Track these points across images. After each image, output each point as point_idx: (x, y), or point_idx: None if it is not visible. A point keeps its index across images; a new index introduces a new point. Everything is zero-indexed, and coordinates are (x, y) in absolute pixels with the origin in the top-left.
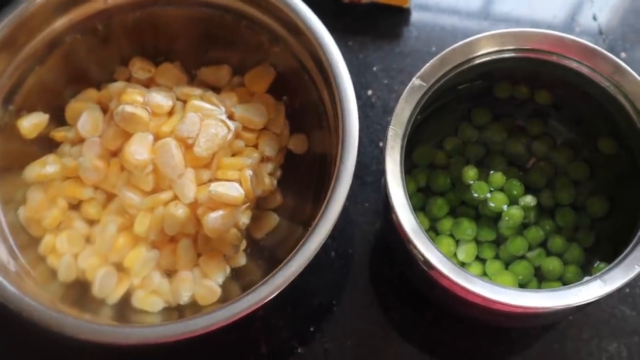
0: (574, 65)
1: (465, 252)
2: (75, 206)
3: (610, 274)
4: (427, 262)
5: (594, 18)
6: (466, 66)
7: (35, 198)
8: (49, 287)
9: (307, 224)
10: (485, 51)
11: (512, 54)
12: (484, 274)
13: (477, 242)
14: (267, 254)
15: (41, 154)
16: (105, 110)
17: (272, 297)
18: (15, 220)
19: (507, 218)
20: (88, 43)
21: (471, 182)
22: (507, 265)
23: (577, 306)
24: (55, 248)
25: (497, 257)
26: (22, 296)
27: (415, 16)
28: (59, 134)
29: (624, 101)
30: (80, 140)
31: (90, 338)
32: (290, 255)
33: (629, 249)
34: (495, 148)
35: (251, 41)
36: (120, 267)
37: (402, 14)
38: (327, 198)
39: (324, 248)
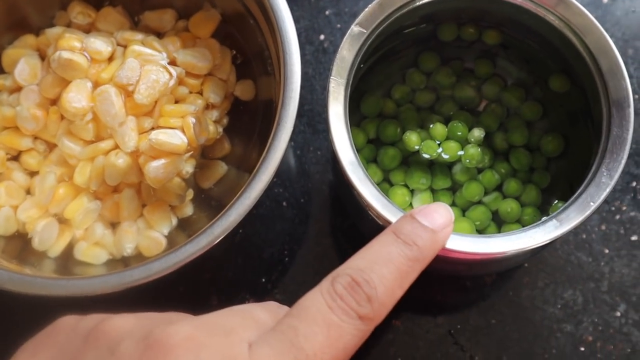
0: (517, 0)
1: (421, 201)
2: (15, 157)
3: (565, 213)
4: (379, 215)
5: None
6: (407, 9)
7: None
8: None
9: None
10: None
11: None
12: None
13: (432, 190)
14: (215, 204)
15: None
16: (43, 57)
17: (211, 245)
18: None
19: (467, 160)
20: None
21: (416, 147)
22: (463, 211)
23: (533, 249)
24: None
25: (453, 204)
26: None
27: None
28: None
29: (571, 35)
30: (18, 89)
31: (28, 292)
32: (229, 204)
33: (582, 187)
34: (445, 93)
35: None
36: (61, 219)
37: None
38: (268, 144)
39: (275, 198)
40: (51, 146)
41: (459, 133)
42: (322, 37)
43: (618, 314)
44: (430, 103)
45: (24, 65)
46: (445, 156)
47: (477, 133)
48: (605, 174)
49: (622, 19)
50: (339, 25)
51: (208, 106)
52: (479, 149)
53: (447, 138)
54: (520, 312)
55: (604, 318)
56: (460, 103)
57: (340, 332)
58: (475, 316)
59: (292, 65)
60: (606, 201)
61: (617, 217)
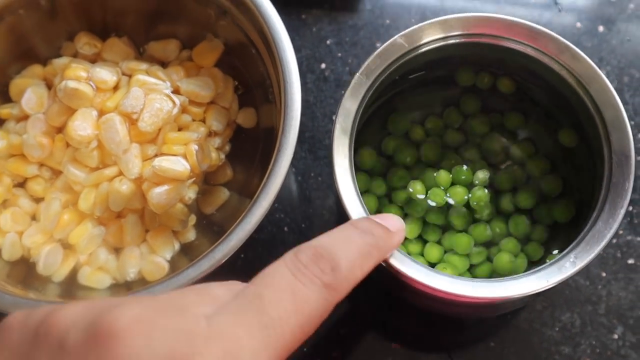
0: (519, 47)
1: (409, 229)
2: (21, 184)
3: (547, 270)
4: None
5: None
6: (408, 57)
7: None
8: None
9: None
10: (430, 39)
11: (458, 40)
12: (421, 255)
13: (424, 221)
14: (217, 229)
15: None
16: (50, 86)
17: (212, 270)
18: None
19: (475, 202)
20: (32, 18)
21: (420, 196)
22: (445, 252)
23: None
24: (0, 226)
25: (439, 242)
26: None
27: None
28: (3, 110)
29: (575, 84)
30: (25, 117)
31: None
32: (230, 229)
33: (545, 265)
34: (475, 140)
35: (199, 15)
36: (66, 245)
37: None
38: (268, 170)
39: (277, 223)
40: (56, 173)
41: (463, 177)
42: (323, 65)
43: (615, 336)
44: (458, 144)
45: (31, 95)
46: (451, 201)
47: (482, 175)
48: (571, 260)
49: (618, 47)
50: (339, 54)
51: (211, 134)
52: (486, 191)
53: (452, 184)
54: (518, 335)
55: (602, 340)
56: (484, 153)
57: (305, 298)
58: (475, 338)
59: (293, 94)
60: None
61: (614, 241)
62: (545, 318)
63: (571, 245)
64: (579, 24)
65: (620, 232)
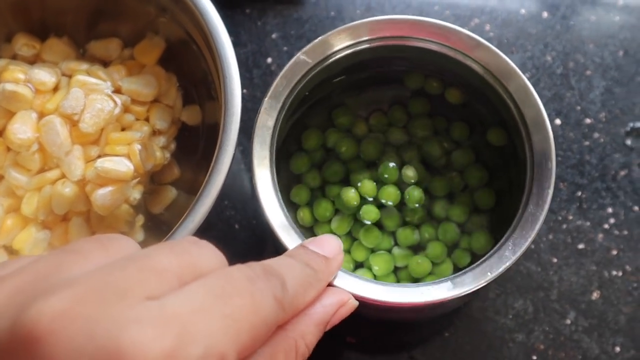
0: (433, 47)
1: (338, 222)
2: None
3: (461, 278)
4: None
5: None
6: (314, 72)
7: None
8: None
9: None
10: (339, 47)
11: (369, 45)
12: (348, 252)
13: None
14: (166, 229)
15: None
16: None
17: None
18: None
19: (414, 204)
20: None
21: (355, 203)
22: (372, 250)
23: (429, 304)
24: None
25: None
26: None
27: None
28: None
29: (493, 82)
30: None
31: None
32: (174, 229)
33: (486, 255)
34: (415, 142)
35: (139, 13)
36: (10, 250)
37: None
38: (210, 167)
39: (227, 220)
40: None
41: (387, 176)
42: (269, 60)
43: (568, 321)
44: (400, 144)
45: None
46: (389, 203)
47: (411, 173)
48: (510, 248)
49: (562, 32)
50: (285, 48)
51: (155, 132)
52: (420, 189)
53: (380, 182)
54: (472, 324)
55: (555, 326)
56: (425, 156)
57: (261, 302)
58: (429, 330)
59: (233, 89)
60: (552, 211)
61: (564, 226)
62: (498, 306)
63: (507, 234)
64: (523, 10)
65: (570, 217)
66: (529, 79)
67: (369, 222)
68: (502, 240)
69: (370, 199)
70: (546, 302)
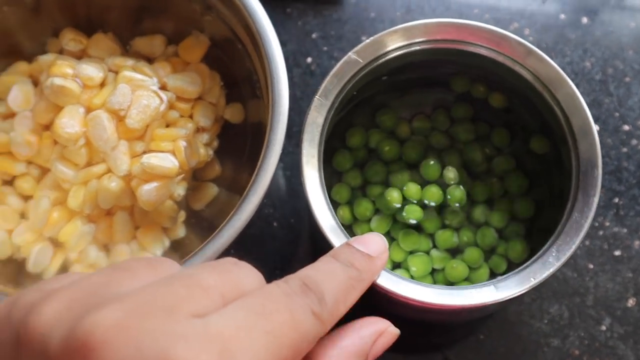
0: (485, 52)
1: (377, 222)
2: (9, 182)
3: (505, 282)
4: None
5: None
6: (367, 70)
7: None
8: None
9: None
10: (391, 47)
11: (421, 46)
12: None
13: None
14: (206, 225)
15: None
16: (36, 83)
17: None
18: None
19: (455, 203)
20: (17, 15)
21: (398, 204)
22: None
23: (471, 308)
24: None
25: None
26: None
27: None
28: None
29: (542, 89)
30: (12, 115)
31: None
32: (221, 226)
33: (529, 261)
34: (457, 146)
35: (184, 10)
36: (55, 242)
37: None
38: (257, 167)
39: (266, 219)
40: (44, 171)
41: (429, 173)
42: (309, 59)
43: (604, 327)
44: (442, 147)
45: (17, 92)
46: (432, 203)
47: (452, 174)
48: (553, 254)
49: (601, 38)
50: (325, 48)
51: (198, 129)
52: (462, 189)
53: (421, 183)
54: (507, 327)
55: (590, 332)
56: (466, 161)
57: (302, 318)
58: (464, 331)
59: (280, 90)
60: None
61: (601, 232)
62: (533, 310)
63: (551, 240)
64: (562, 16)
65: (607, 224)
66: None
67: (414, 221)
68: (545, 247)
69: (415, 201)
70: (582, 308)
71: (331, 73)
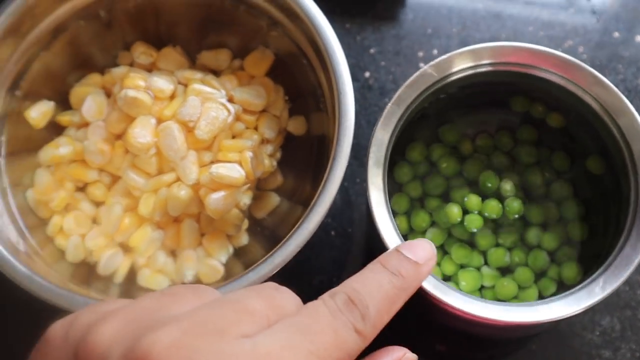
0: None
1: (433, 234)
2: (82, 188)
3: (549, 304)
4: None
5: None
6: (438, 86)
7: (43, 181)
8: (57, 266)
9: (306, 203)
10: (460, 67)
11: (488, 68)
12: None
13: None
14: (268, 233)
15: (47, 138)
16: (109, 94)
17: (271, 275)
18: (24, 203)
19: (513, 215)
20: (91, 29)
21: (458, 219)
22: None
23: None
24: (63, 229)
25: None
26: (32, 275)
27: None
28: (64, 118)
29: (605, 117)
30: (85, 124)
31: None
32: (289, 235)
33: (574, 289)
34: (518, 168)
35: (250, 25)
36: (126, 247)
37: None
38: (324, 179)
39: (324, 227)
40: (115, 178)
41: (489, 184)
42: (367, 74)
43: None
44: (502, 168)
45: (91, 103)
46: (492, 216)
47: (509, 187)
48: (600, 285)
49: None
50: (382, 63)
51: (263, 141)
52: (520, 201)
53: (483, 196)
54: (559, 338)
55: None
56: (524, 182)
57: (345, 337)
58: (516, 342)
59: (347, 105)
60: None
61: None
62: (585, 322)
63: (600, 270)
64: (616, 34)
65: None
66: None
67: (474, 230)
68: (593, 276)
69: (475, 212)
70: (633, 321)
71: (406, 83)
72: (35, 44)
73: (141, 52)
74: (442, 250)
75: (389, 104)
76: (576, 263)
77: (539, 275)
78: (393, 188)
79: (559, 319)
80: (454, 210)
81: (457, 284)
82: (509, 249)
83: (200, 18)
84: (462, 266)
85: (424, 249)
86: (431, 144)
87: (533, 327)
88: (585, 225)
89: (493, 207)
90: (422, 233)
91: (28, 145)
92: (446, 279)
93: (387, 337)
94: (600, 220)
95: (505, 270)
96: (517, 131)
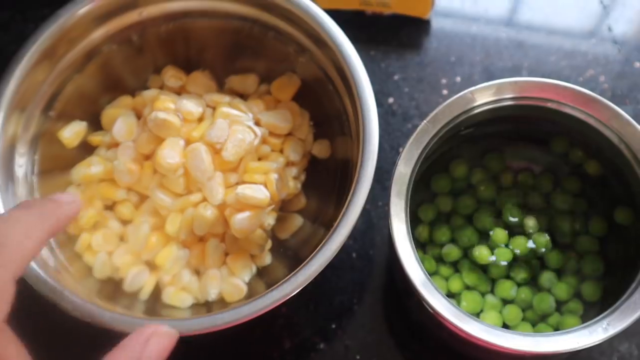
0: (572, 112)
1: (449, 249)
2: (110, 207)
3: (548, 338)
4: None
5: (609, 29)
6: (456, 122)
7: None
8: (85, 282)
9: (329, 225)
10: (483, 101)
11: (510, 102)
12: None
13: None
14: (291, 254)
15: (78, 157)
16: (139, 116)
17: (294, 293)
18: None
19: (542, 249)
20: (123, 53)
21: (490, 259)
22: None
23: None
24: (91, 246)
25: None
26: (62, 290)
27: (436, 27)
28: (95, 138)
29: (626, 151)
30: (115, 145)
31: (124, 329)
32: (312, 255)
33: (579, 327)
34: (550, 212)
35: (278, 51)
36: (152, 265)
37: (423, 25)
38: (347, 201)
39: (346, 249)
40: (143, 197)
41: (512, 219)
42: (390, 100)
43: None
44: (536, 207)
45: (122, 124)
46: (517, 251)
47: (532, 223)
48: (604, 326)
49: None
50: (406, 90)
51: (288, 163)
52: (547, 236)
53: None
54: None
55: None
56: (552, 226)
57: None
58: None
59: (371, 129)
60: None
61: None
62: (603, 348)
63: (606, 312)
64: (637, 64)
65: None
66: None
67: (504, 263)
68: (598, 317)
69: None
70: None
71: (444, 103)
72: (69, 66)
73: (171, 76)
74: (454, 267)
75: (424, 121)
76: (580, 319)
77: (541, 317)
78: (426, 196)
79: (557, 352)
80: (483, 252)
81: (458, 302)
82: (518, 285)
83: (229, 43)
84: (467, 287)
85: (65, 195)
86: (474, 167)
87: (548, 357)
88: (600, 286)
89: (520, 244)
90: (440, 246)
91: (60, 164)
92: (450, 295)
93: (406, 358)
94: (617, 280)
95: (508, 302)
96: (562, 178)
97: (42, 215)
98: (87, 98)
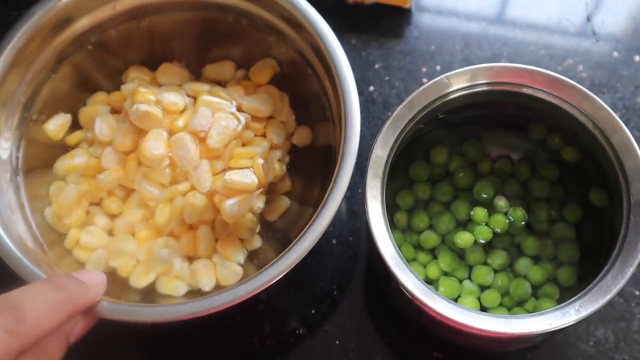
0: (545, 96)
1: (427, 236)
2: (97, 202)
3: (521, 319)
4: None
5: (588, 19)
6: (430, 109)
7: (61, 200)
8: None
9: (315, 206)
10: (461, 85)
11: (486, 88)
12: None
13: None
14: (279, 236)
15: (62, 154)
16: (114, 111)
17: (287, 270)
18: (42, 220)
19: (515, 221)
20: (92, 55)
21: (470, 245)
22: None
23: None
24: (79, 242)
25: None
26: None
27: (417, 17)
28: (73, 139)
29: (597, 133)
30: (97, 141)
31: (120, 318)
32: (302, 233)
33: (552, 309)
34: (527, 199)
35: (253, 38)
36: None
37: (404, 14)
38: (332, 181)
39: (326, 235)
40: (129, 191)
41: (485, 195)
42: (371, 88)
43: None
44: (514, 195)
45: (101, 124)
46: (497, 230)
47: (503, 202)
48: (576, 308)
49: None
50: (387, 78)
51: (272, 147)
52: (523, 210)
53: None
54: (554, 349)
55: (635, 356)
56: (528, 213)
57: None
58: (512, 353)
59: (352, 106)
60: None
61: None
62: (580, 333)
63: (578, 294)
64: (615, 53)
65: None
66: (619, 117)
67: (483, 241)
68: (570, 300)
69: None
70: (627, 333)
71: (420, 89)
72: (43, 69)
73: (134, 77)
74: (432, 254)
75: (400, 106)
76: (555, 303)
77: (518, 303)
78: (404, 183)
79: (530, 334)
80: (465, 237)
81: (436, 289)
82: (495, 271)
83: (203, 34)
84: (446, 274)
85: (92, 276)
86: (453, 154)
87: (525, 339)
88: (575, 272)
89: (499, 221)
90: (418, 233)
91: (44, 162)
92: (428, 281)
93: (385, 343)
94: (593, 265)
95: (485, 288)
96: (540, 166)
97: (68, 301)
98: (63, 98)
